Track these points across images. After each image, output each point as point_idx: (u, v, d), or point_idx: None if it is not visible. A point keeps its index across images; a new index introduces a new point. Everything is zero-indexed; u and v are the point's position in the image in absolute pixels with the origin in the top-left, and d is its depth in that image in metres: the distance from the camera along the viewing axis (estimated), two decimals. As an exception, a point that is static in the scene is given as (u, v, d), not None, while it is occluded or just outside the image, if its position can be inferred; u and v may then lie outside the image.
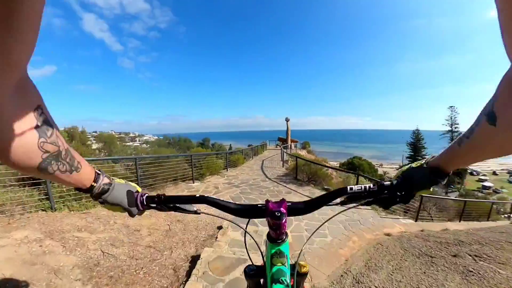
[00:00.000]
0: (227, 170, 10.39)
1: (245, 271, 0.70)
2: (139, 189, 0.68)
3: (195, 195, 0.64)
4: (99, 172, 0.57)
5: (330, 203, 0.64)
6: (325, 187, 8.44)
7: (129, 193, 0.63)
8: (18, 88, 0.30)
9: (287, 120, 26.02)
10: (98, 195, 0.56)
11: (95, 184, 0.54)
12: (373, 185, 0.62)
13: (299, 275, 0.67)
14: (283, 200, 0.60)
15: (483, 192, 34.06)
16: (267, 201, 0.60)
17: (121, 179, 0.66)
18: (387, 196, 0.63)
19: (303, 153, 20.85)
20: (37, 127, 0.34)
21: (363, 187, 0.61)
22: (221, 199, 0.64)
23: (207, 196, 0.63)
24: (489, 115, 0.40)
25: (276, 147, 27.44)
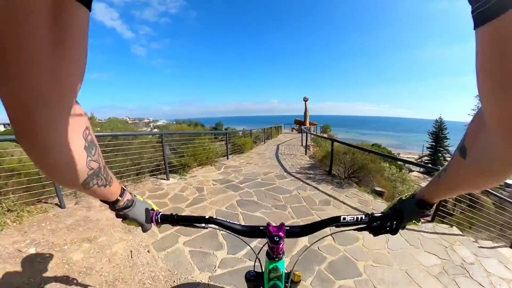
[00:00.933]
0: (227, 158, 7.45)
1: (246, 275, 0.77)
2: (155, 207, 0.74)
3: (204, 216, 0.72)
4: (124, 188, 0.62)
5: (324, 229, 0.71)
6: (377, 188, 5.37)
7: (147, 210, 0.70)
8: (71, 112, 0.32)
9: (305, 100, 22.41)
10: (120, 209, 0.61)
11: (120, 199, 0.59)
12: (365, 217, 0.68)
13: (293, 283, 0.76)
14: (282, 224, 0.66)
15: (506, 190, 29.99)
16: (268, 224, 0.67)
17: (141, 197, 0.72)
18: (377, 225, 0.69)
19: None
20: (85, 147, 0.37)
21: (355, 218, 0.68)
22: (228, 220, 0.73)
23: (215, 218, 0.72)
24: (461, 149, 0.42)
25: (292, 131, 24.09)
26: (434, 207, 0.61)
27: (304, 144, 10.13)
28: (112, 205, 0.58)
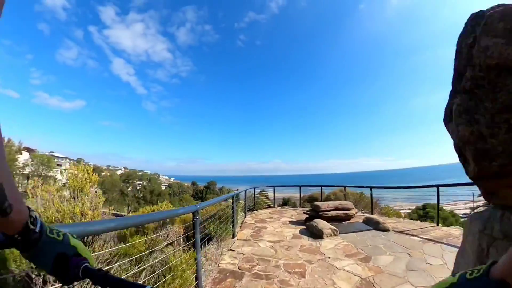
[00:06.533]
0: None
1: None
2: (84, 252, 0.47)
3: (139, 283, 0.44)
4: (31, 225, 0.38)
5: None
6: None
7: (60, 256, 0.43)
8: None
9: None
10: (21, 249, 0.38)
11: (18, 238, 0.37)
12: None
13: None
14: None
15: None
16: None
17: (60, 234, 0.45)
18: None
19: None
20: None
21: None
22: None
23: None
24: None
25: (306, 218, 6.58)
26: None
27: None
28: (8, 241, 0.37)
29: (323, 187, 10.77)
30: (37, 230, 0.39)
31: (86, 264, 0.46)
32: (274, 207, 10.22)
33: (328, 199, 10.53)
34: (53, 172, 28.11)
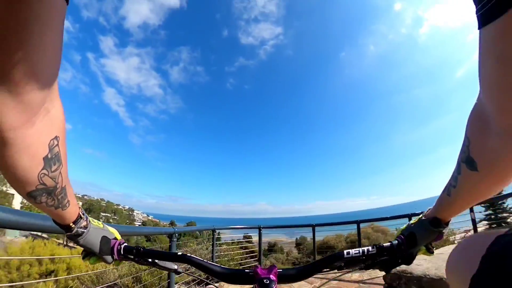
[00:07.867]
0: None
1: None
2: (118, 237, 0.63)
3: (176, 253, 0.60)
4: (82, 216, 0.53)
5: (325, 269, 0.57)
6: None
7: (104, 239, 0.58)
8: (41, 111, 0.29)
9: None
10: (73, 237, 0.52)
11: (73, 226, 0.50)
12: (372, 248, 0.56)
13: None
14: (273, 267, 0.53)
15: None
16: (256, 266, 0.53)
17: (100, 223, 0.60)
18: (387, 258, 0.57)
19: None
20: (45, 157, 0.33)
21: (361, 251, 0.55)
22: (205, 260, 0.58)
23: (190, 256, 0.58)
24: (468, 161, 0.38)
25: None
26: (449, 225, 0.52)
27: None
28: (66, 230, 0.50)
29: (360, 223, 5.91)
30: (85, 220, 0.53)
31: (125, 243, 0.60)
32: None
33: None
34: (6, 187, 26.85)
